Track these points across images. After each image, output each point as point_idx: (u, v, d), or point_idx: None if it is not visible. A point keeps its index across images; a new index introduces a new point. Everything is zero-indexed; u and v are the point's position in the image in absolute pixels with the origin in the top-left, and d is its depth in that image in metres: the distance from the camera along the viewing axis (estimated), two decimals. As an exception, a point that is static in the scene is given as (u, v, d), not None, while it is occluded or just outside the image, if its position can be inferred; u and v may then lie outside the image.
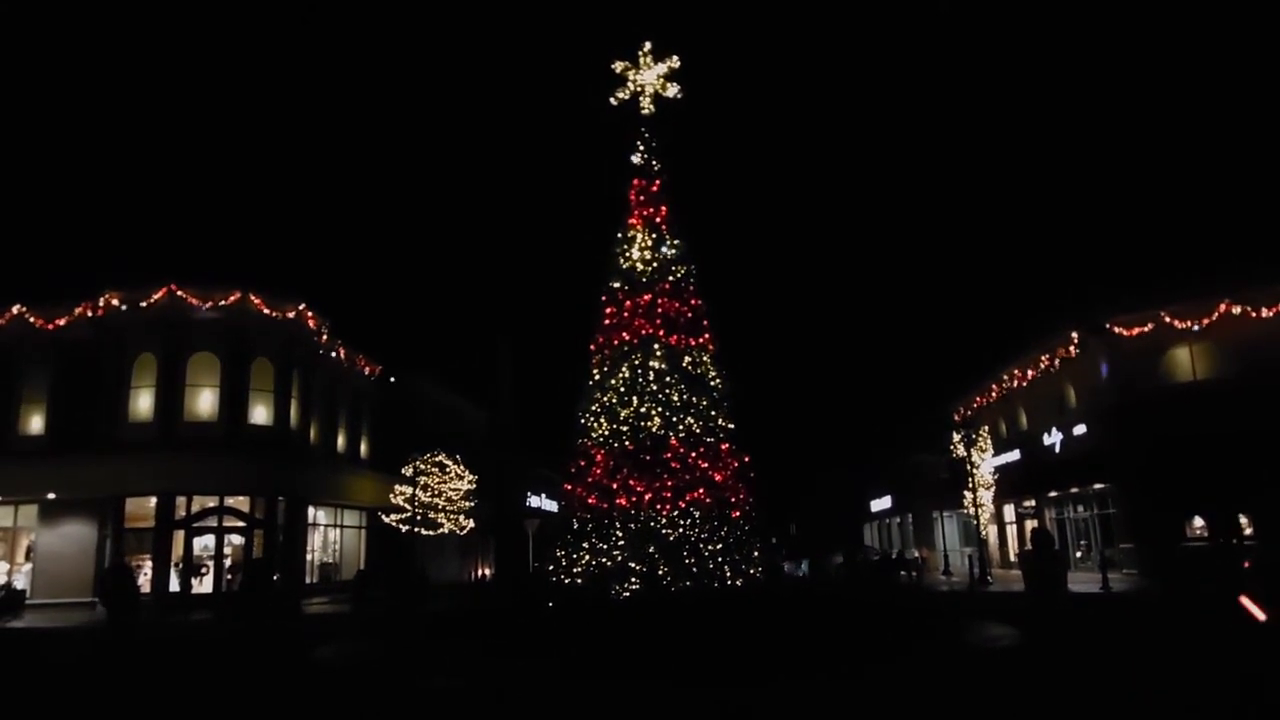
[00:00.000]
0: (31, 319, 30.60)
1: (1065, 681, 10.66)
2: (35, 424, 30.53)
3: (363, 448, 39.40)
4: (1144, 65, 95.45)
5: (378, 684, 11.70)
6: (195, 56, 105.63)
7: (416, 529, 34.24)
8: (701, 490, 17.40)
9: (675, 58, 20.25)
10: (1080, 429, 32.49)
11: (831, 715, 9.38)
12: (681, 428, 17.77)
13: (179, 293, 29.73)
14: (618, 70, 20.39)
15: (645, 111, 20.30)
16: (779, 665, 11.34)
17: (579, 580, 16.97)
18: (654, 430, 17.66)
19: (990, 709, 9.37)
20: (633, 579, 16.57)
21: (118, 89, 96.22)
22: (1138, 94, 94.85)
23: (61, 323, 30.56)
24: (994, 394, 41.35)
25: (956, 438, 37.88)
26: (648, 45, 20.37)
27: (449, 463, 37.19)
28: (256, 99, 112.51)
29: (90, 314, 30.31)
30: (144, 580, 27.37)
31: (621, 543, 16.99)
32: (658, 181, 19.92)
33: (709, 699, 9.88)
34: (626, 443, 17.70)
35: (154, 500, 28.83)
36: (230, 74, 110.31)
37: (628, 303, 18.84)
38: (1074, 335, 31.79)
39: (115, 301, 29.92)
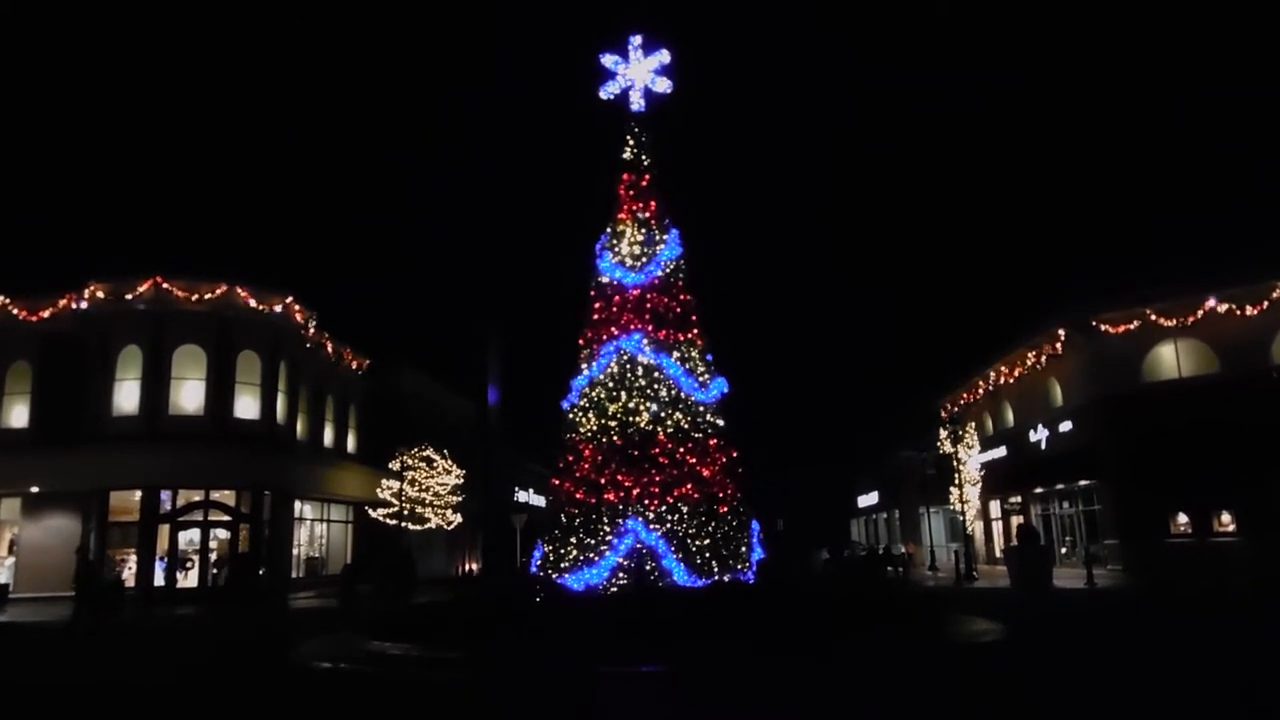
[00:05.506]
0: (15, 310, 30.32)
1: (1048, 677, 10.71)
2: (19, 416, 30.30)
3: (350, 441, 39.25)
4: (1132, 65, 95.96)
5: (374, 678, 11.64)
6: (181, 47, 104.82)
7: (404, 523, 34.14)
8: (689, 485, 17.40)
9: (665, 52, 20.19)
10: (1066, 425, 32.69)
11: (817, 714, 9.39)
12: (670, 423, 17.78)
13: (165, 285, 29.53)
14: (608, 64, 20.31)
15: (635, 106, 20.24)
16: (763, 661, 11.36)
17: (566, 574, 16.96)
18: (642, 425, 17.66)
19: (972, 706, 9.40)
20: (620, 574, 16.58)
21: (104, 81, 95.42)
22: (1125, 93, 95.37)
23: (46, 314, 30.29)
24: (981, 391, 41.53)
25: (943, 434, 38.05)
26: (638, 39, 20.30)
27: (437, 457, 37.11)
28: (243, 90, 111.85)
29: (75, 306, 30.06)
30: (129, 574, 27.21)
31: (609, 538, 16.98)
32: (647, 176, 19.87)
33: (699, 690, 9.89)
34: (615, 438, 17.70)
35: (139, 494, 28.64)
36: (217, 65, 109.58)
37: (616, 298, 18.82)
38: (1060, 332, 31.95)
39: (100, 293, 29.69)
